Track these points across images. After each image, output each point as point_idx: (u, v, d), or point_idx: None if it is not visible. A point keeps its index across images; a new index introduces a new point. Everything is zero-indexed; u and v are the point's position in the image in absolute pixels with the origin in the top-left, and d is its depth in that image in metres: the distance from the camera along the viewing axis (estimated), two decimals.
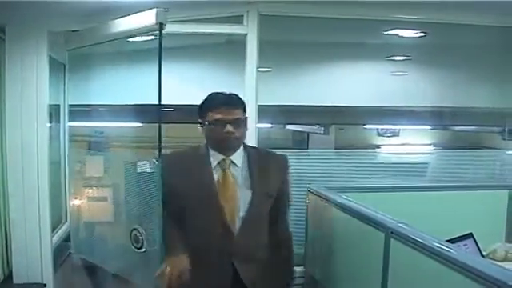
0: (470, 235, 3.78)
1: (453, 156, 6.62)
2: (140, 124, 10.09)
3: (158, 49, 4.06)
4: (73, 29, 4.80)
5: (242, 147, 3.32)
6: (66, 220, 5.73)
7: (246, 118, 3.26)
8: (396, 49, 6.80)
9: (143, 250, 4.44)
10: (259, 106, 4.65)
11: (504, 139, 9.95)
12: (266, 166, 3.33)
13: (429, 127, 12.02)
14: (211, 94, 3.31)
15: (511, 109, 7.82)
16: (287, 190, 3.48)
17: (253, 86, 4.53)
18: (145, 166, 4.94)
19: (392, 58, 7.21)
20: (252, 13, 4.52)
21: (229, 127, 3.14)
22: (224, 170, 3.24)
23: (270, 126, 9.63)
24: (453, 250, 2.41)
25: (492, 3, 4.50)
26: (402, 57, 7.21)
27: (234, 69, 4.95)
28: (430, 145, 12.82)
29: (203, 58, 6.27)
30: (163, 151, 3.52)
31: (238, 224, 3.21)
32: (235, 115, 3.18)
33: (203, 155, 3.28)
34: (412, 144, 12.73)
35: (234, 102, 3.24)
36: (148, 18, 3.83)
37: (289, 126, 11.35)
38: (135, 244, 4.48)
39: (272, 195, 3.31)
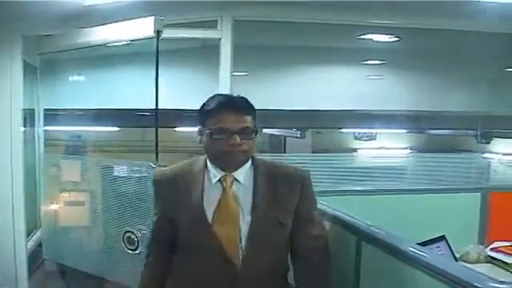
0: (442, 238, 3.79)
1: (429, 159, 6.69)
2: (117, 128, 10.13)
3: (155, 55, 4.11)
4: (48, 33, 4.80)
5: (250, 161, 2.68)
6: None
7: (255, 126, 2.61)
8: (371, 53, 6.88)
9: (137, 251, 4.47)
10: None
11: (479, 142, 10.08)
12: (277, 185, 2.66)
13: (405, 131, 12.14)
14: (214, 96, 2.67)
15: (484, 112, 7.95)
16: (309, 212, 2.74)
17: (227, 90, 4.53)
18: (122, 171, 4.95)
19: (367, 62, 7.29)
20: (226, 18, 4.55)
21: (235, 138, 2.51)
22: (225, 190, 2.61)
23: None
24: (424, 253, 2.42)
25: (463, 8, 4.56)
26: (378, 61, 7.29)
27: (211, 73, 4.96)
28: (406, 148, 12.94)
29: (180, 63, 6.29)
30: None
31: (240, 255, 2.58)
32: (244, 123, 2.54)
33: (199, 172, 2.66)
34: (389, 148, 12.84)
35: (242, 107, 2.58)
36: (146, 26, 3.86)
37: (265, 130, 11.40)
38: (129, 246, 4.50)
39: (284, 223, 2.65)
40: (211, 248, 2.57)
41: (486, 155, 7.92)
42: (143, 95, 5.87)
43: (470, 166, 6.54)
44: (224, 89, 4.54)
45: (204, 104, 2.64)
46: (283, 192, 2.66)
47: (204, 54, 5.29)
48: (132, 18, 4.21)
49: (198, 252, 2.61)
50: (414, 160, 7.15)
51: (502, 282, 2.01)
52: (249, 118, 2.58)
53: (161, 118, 4.58)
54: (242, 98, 2.65)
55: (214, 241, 2.56)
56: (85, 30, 4.49)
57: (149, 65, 5.55)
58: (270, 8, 4.56)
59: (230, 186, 2.62)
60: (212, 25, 4.59)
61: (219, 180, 2.62)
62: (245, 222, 2.59)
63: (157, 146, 4.40)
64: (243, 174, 2.64)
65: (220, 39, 4.58)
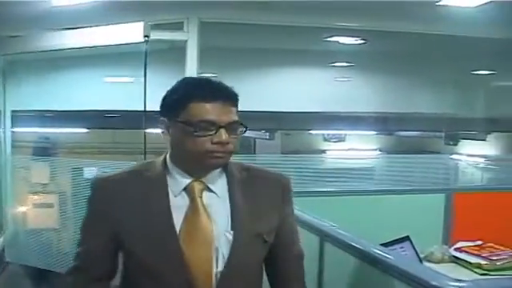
0: (407, 238, 3.83)
1: (398, 161, 6.75)
2: (86, 130, 10.08)
3: (144, 59, 4.10)
4: (16, 34, 4.77)
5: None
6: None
7: (240, 121, 1.97)
8: (338, 55, 6.93)
9: None
10: None
11: (446, 144, 10.21)
12: (256, 193, 2.09)
13: (374, 132, 12.24)
14: (186, 79, 2.06)
15: (450, 114, 8.05)
16: (291, 227, 2.23)
17: None
18: (92, 172, 4.95)
19: (335, 64, 7.34)
20: (192, 19, 4.54)
21: (223, 134, 1.89)
22: (194, 200, 1.98)
23: None
24: (385, 254, 2.45)
25: (428, 12, 4.62)
26: (345, 63, 7.34)
27: (178, 74, 4.97)
28: (375, 150, 13.02)
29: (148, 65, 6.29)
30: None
31: (214, 282, 1.96)
32: (231, 115, 1.92)
33: (160, 177, 2.00)
34: (358, 149, 12.92)
35: (229, 95, 1.93)
36: (135, 31, 3.86)
37: None
38: None
39: (268, 240, 2.07)
40: (177, 275, 1.95)
41: (453, 157, 8.02)
42: (112, 96, 5.86)
43: (437, 168, 6.62)
44: None
45: (174, 89, 1.97)
46: (265, 202, 2.10)
47: (171, 55, 5.29)
48: (98, 20, 4.21)
49: (157, 281, 1.98)
50: (383, 161, 7.22)
51: (460, 281, 2.04)
52: (235, 109, 1.95)
53: (130, 120, 4.58)
54: (225, 84, 1.98)
55: (181, 263, 1.94)
56: (69, 32, 4.48)
57: (116, 66, 5.54)
58: (237, 10, 4.57)
59: (200, 196, 2.00)
60: (178, 26, 4.59)
61: (185, 189, 1.99)
62: (221, 241, 1.98)
63: (145, 147, 4.41)
64: (215, 180, 2.03)
65: (186, 41, 4.58)
